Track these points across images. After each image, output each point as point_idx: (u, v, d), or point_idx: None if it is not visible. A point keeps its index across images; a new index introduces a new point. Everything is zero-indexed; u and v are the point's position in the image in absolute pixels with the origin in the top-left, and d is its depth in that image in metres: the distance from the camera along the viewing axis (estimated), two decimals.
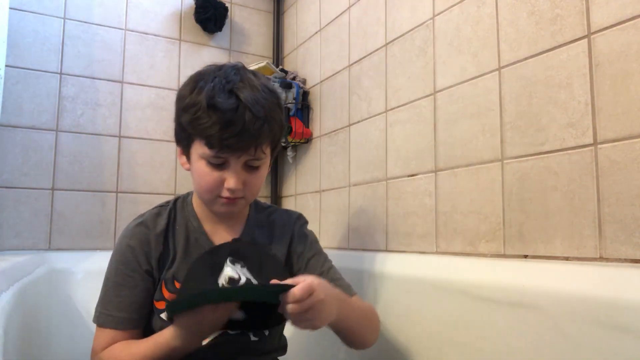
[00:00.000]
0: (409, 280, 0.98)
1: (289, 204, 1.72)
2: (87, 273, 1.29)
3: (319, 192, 1.53)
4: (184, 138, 0.82)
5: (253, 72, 0.82)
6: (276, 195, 1.77)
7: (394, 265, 1.06)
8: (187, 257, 0.85)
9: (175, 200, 0.91)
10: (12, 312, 0.78)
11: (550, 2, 0.84)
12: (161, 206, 0.90)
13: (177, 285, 0.83)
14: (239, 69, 0.80)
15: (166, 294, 0.83)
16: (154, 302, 0.84)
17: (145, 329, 0.84)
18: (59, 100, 1.45)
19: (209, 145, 0.76)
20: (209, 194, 0.80)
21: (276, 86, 1.55)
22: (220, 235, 0.88)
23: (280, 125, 0.81)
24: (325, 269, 0.91)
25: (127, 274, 0.82)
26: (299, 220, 0.97)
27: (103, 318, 0.81)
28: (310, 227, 0.99)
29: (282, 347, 0.92)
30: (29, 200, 1.38)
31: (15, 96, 1.39)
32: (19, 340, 0.85)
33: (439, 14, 1.08)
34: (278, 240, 0.92)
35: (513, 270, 0.81)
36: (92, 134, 1.49)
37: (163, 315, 0.82)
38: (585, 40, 0.78)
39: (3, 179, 1.36)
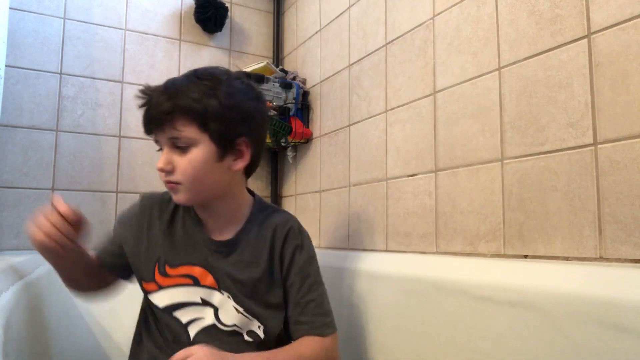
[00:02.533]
0: (409, 280, 0.98)
1: (289, 204, 1.72)
2: None
3: (319, 192, 1.53)
4: None
5: (229, 71, 0.84)
6: (276, 195, 1.77)
7: (394, 265, 1.05)
8: (179, 248, 0.87)
9: None
10: (12, 312, 0.78)
11: (550, 2, 0.84)
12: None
13: (168, 270, 0.86)
14: (214, 67, 0.84)
15: (158, 278, 0.86)
16: (145, 283, 0.87)
17: (141, 318, 0.91)
18: (59, 100, 1.45)
19: None
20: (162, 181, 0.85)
21: (276, 86, 1.55)
22: (217, 233, 0.89)
23: (198, 102, 0.76)
24: (303, 302, 0.86)
25: (114, 227, 0.92)
26: (292, 232, 0.90)
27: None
28: (310, 227, 0.98)
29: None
30: (29, 200, 1.38)
31: (15, 96, 1.39)
32: (19, 340, 0.85)
33: (438, 14, 1.08)
34: (263, 243, 0.89)
35: (513, 270, 0.81)
36: (92, 134, 1.49)
37: (152, 299, 0.85)
38: (585, 40, 0.78)
39: (3, 179, 1.36)
